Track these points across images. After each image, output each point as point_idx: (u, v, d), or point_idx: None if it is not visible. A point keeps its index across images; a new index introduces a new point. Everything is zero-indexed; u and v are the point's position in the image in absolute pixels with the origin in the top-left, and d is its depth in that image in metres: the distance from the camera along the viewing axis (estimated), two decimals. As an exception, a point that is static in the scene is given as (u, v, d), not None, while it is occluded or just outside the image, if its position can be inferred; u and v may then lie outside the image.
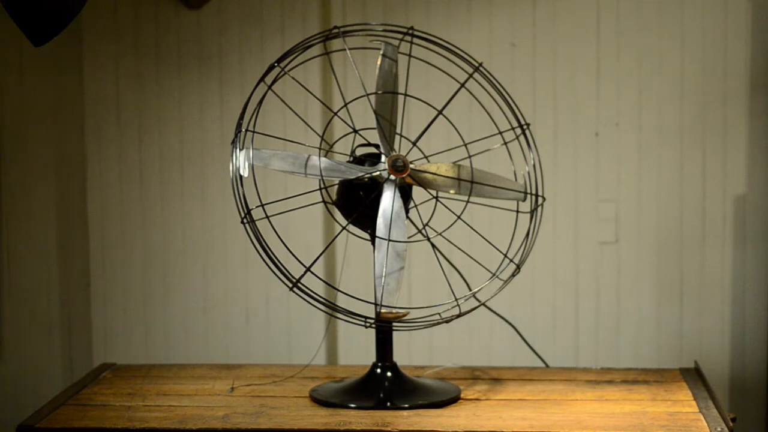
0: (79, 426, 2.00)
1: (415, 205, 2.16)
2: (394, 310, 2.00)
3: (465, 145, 2.14)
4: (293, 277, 2.03)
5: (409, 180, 2.09)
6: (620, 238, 3.17)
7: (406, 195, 2.11)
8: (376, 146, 2.11)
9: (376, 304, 2.01)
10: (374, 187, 2.08)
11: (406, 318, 2.04)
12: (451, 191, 2.14)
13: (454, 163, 2.15)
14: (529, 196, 2.19)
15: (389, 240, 2.03)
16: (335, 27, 2.12)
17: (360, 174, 2.07)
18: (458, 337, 3.17)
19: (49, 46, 2.41)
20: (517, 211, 2.20)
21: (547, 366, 2.54)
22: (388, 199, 2.06)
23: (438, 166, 2.14)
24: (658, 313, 3.17)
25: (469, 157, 2.14)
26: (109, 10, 3.23)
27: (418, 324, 2.07)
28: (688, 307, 3.16)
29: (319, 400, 2.12)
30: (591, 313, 3.19)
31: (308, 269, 2.03)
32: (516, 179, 2.22)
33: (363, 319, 2.03)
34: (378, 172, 2.07)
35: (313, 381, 2.27)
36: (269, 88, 2.08)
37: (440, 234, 2.13)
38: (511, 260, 2.13)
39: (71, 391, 2.22)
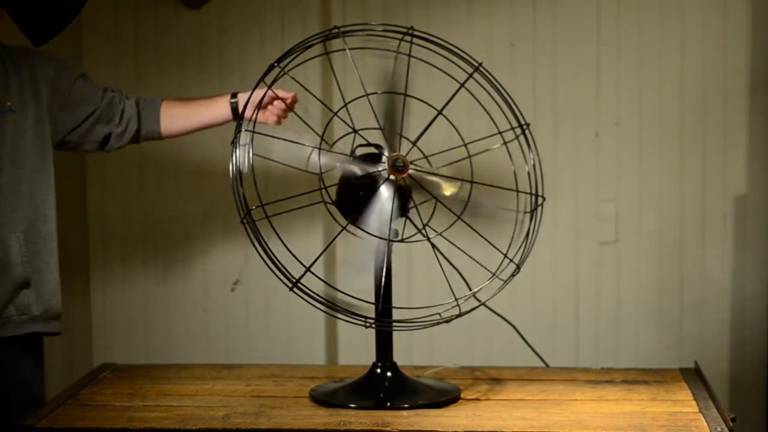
0: (79, 426, 2.00)
1: (415, 205, 2.15)
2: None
3: (465, 145, 2.14)
4: (293, 277, 2.03)
5: (409, 180, 2.09)
6: (620, 238, 3.16)
7: (406, 195, 2.11)
8: (376, 146, 2.11)
9: (376, 304, 2.01)
10: (374, 187, 2.08)
11: (405, 318, 2.04)
12: (451, 191, 2.14)
13: (453, 163, 2.15)
14: (528, 196, 2.19)
15: (389, 240, 2.03)
16: (335, 27, 2.12)
17: (360, 173, 2.07)
18: (458, 337, 3.17)
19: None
20: (517, 211, 2.20)
21: (547, 366, 2.54)
22: (388, 198, 2.05)
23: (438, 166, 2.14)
24: (658, 313, 3.17)
25: (469, 157, 2.13)
26: (109, 10, 3.23)
27: (418, 324, 2.07)
28: (688, 307, 3.16)
29: (319, 400, 2.11)
30: (591, 313, 3.19)
31: (308, 269, 2.02)
32: (516, 179, 2.22)
33: (363, 319, 2.03)
34: (378, 172, 2.07)
35: (313, 381, 2.27)
36: (269, 88, 2.08)
37: (440, 234, 2.13)
38: (511, 260, 2.13)
39: (71, 391, 2.22)
